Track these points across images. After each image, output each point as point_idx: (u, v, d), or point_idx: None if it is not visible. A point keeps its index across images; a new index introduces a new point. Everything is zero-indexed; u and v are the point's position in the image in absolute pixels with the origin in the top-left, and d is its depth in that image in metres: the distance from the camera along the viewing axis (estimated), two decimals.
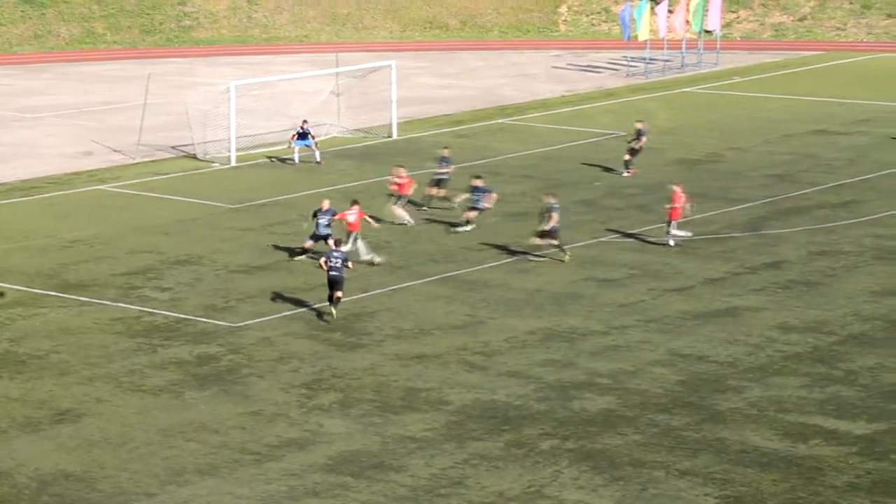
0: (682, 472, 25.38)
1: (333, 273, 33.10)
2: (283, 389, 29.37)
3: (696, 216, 42.39)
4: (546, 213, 37.88)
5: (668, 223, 39.12)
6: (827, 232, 40.83)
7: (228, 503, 24.48)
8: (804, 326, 32.87)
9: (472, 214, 40.47)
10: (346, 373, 30.27)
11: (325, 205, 37.81)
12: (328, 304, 33.41)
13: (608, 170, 48.27)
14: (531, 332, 32.67)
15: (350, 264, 33.63)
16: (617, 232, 40.55)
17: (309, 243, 37.80)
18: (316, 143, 49.77)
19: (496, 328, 32.93)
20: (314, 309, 34.08)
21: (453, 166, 43.76)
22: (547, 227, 37.73)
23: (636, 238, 39.73)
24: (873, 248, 39.09)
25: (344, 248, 34.94)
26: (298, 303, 34.71)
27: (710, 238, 40.32)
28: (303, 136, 49.58)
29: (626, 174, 47.63)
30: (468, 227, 40.32)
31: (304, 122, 50.21)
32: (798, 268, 37.44)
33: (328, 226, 37.50)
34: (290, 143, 49.83)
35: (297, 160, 49.50)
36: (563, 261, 37.55)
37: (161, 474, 25.45)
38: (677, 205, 38.99)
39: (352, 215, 37.70)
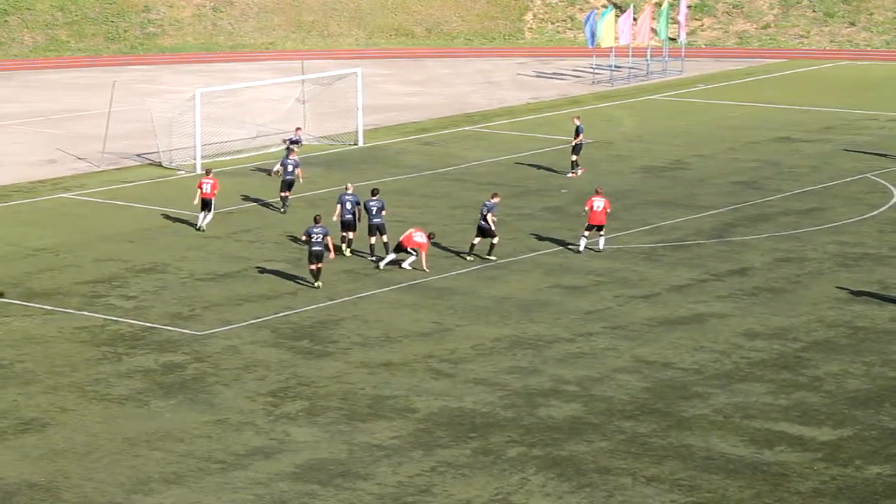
0: (649, 478, 25.44)
1: (317, 248, 35.79)
2: (249, 398, 29.28)
3: (662, 223, 42.60)
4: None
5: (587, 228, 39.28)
6: (792, 239, 41.05)
7: None
8: (769, 333, 33.01)
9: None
10: (312, 381, 30.21)
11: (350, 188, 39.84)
12: (312, 277, 36.01)
13: (555, 172, 48.66)
14: (498, 339, 32.69)
15: (330, 239, 36.15)
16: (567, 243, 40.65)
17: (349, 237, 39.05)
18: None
19: (463, 336, 32.93)
20: (309, 283, 36.02)
21: (300, 168, 44.71)
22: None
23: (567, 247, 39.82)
24: (837, 255, 39.32)
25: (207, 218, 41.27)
26: (264, 310, 34.64)
27: (676, 245, 40.46)
28: (294, 142, 49.09)
29: (570, 175, 48.14)
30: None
31: (298, 129, 49.89)
32: (763, 274, 37.61)
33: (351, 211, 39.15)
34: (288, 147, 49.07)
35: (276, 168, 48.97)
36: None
37: (126, 483, 25.32)
38: (587, 208, 39.15)
39: (207, 184, 41.57)
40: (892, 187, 47.02)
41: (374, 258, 38.42)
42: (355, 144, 54.33)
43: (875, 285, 36.43)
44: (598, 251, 39.20)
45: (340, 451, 26.62)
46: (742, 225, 42.57)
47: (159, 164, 50.96)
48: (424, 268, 37.38)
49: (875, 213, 43.96)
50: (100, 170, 50.67)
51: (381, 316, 34.32)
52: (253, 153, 52.11)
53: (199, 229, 41.76)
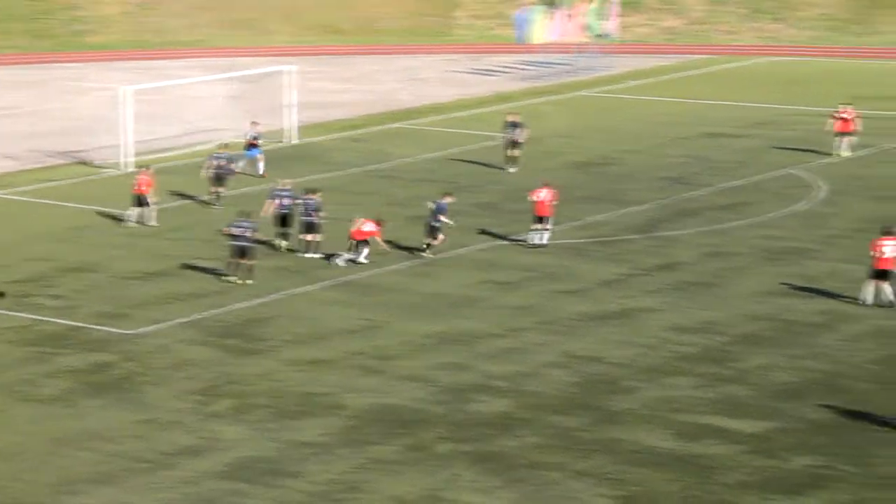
0: (578, 472, 25.59)
1: (239, 243, 35.61)
2: (178, 397, 29.15)
3: (590, 219, 42.83)
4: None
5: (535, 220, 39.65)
6: (719, 234, 41.41)
7: None
8: (697, 327, 33.29)
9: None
10: (241, 379, 30.13)
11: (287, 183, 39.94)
12: (232, 271, 35.90)
13: (488, 167, 48.86)
14: (428, 335, 32.74)
15: (256, 234, 35.98)
16: (511, 237, 40.79)
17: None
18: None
19: (393, 332, 32.96)
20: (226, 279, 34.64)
21: (233, 163, 45.25)
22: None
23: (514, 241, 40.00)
24: (763, 249, 39.72)
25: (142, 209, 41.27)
26: (194, 308, 34.47)
27: (606, 240, 40.70)
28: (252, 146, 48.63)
29: (512, 170, 48.52)
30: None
31: (254, 123, 49.35)
32: (691, 269, 37.93)
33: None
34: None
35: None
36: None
37: (54, 483, 25.13)
38: (534, 199, 39.56)
39: (139, 180, 41.92)
40: (817, 181, 47.58)
41: (306, 253, 38.37)
42: (288, 141, 54.16)
43: (800, 279, 36.85)
44: (536, 245, 39.34)
45: (269, 449, 26.56)
46: (670, 220, 42.90)
47: (88, 163, 50.58)
48: (386, 248, 37.79)
49: (800, 207, 44.47)
50: (27, 168, 50.19)
51: (312, 313, 34.27)
52: (182, 150, 51.87)
53: (136, 223, 41.65)
